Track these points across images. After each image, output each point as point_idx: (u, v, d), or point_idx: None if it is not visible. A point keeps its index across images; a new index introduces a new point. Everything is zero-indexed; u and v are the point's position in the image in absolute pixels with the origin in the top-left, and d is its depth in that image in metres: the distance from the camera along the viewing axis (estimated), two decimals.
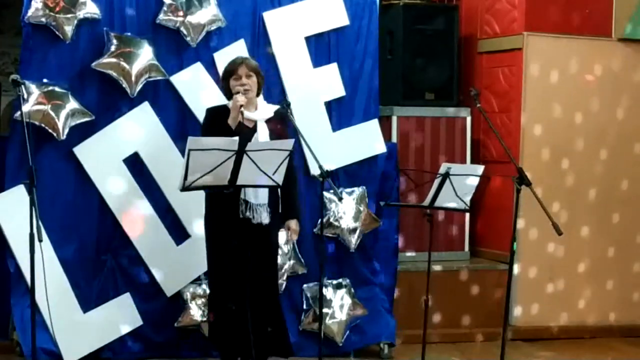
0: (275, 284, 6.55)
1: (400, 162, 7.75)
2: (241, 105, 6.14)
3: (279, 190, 6.27)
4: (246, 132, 6.10)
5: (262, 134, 6.31)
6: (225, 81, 6.41)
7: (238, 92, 6.22)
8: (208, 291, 6.73)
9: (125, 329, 6.93)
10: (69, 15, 6.69)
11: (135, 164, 6.93)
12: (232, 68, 6.37)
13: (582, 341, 8.29)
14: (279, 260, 7.07)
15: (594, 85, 8.41)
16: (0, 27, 9.97)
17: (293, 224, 6.49)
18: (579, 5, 8.43)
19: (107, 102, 6.87)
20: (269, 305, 6.41)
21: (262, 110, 6.39)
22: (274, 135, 6.33)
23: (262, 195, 6.26)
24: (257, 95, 6.40)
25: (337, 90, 7.43)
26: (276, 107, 6.49)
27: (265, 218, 6.29)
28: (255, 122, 6.30)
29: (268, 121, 6.37)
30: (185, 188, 5.81)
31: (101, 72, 6.78)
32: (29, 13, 6.64)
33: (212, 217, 6.36)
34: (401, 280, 7.72)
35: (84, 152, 6.80)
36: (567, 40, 8.35)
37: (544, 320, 8.37)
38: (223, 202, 6.15)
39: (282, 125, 6.44)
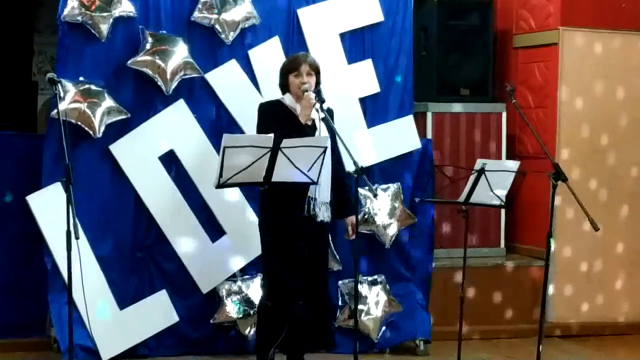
0: (327, 280, 6.62)
1: (435, 158, 7.73)
2: (314, 103, 6.16)
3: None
4: (309, 130, 6.16)
5: (324, 132, 6.33)
6: (285, 76, 6.43)
7: (307, 90, 6.23)
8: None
9: (161, 326, 6.96)
10: (104, 14, 6.73)
11: (170, 162, 6.95)
12: (295, 65, 6.40)
13: (619, 338, 8.23)
14: None
15: (629, 82, 8.35)
16: (36, 26, 9.99)
17: (354, 220, 6.49)
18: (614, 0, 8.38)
19: (143, 100, 6.90)
20: (323, 299, 6.48)
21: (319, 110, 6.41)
22: (329, 131, 6.35)
23: (325, 193, 6.29)
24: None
25: (372, 86, 7.42)
26: (325, 105, 6.52)
27: (327, 216, 6.34)
28: (314, 120, 6.32)
29: (322, 119, 6.41)
30: (220, 185, 5.83)
31: (137, 70, 6.81)
32: (65, 12, 6.68)
33: (272, 215, 6.36)
34: (436, 276, 7.70)
35: (119, 149, 6.84)
36: (602, 35, 8.30)
37: (580, 317, 8.32)
38: (285, 199, 6.18)
39: (332, 121, 6.48)
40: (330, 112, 6.41)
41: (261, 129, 6.30)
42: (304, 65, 6.36)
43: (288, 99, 6.40)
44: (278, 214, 6.30)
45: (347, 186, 6.49)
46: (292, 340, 6.33)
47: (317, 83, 6.42)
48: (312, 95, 6.20)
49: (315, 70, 6.40)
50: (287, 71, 6.42)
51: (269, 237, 6.37)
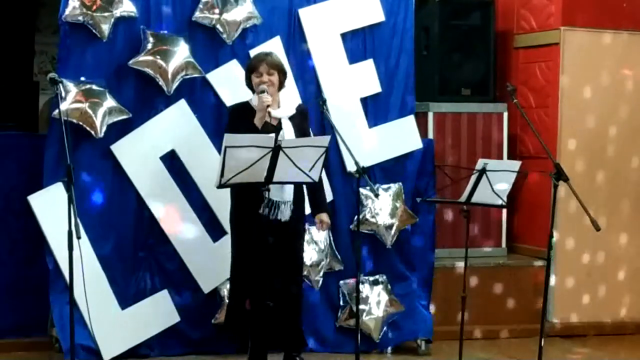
0: (299, 279, 6.61)
1: (436, 158, 7.73)
2: (268, 105, 6.17)
3: (304, 186, 6.30)
4: (272, 130, 6.12)
5: (288, 131, 6.35)
6: (248, 77, 6.47)
7: (263, 91, 6.25)
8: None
9: (163, 326, 6.96)
10: (105, 14, 6.73)
11: (172, 161, 6.96)
12: (254, 64, 6.44)
13: (620, 338, 8.23)
14: (316, 256, 7.11)
15: (631, 78, 8.35)
16: (37, 25, 10.01)
17: (325, 216, 6.55)
18: None
19: (144, 99, 6.91)
20: (289, 300, 6.46)
21: (285, 107, 6.43)
22: (299, 131, 6.38)
23: (288, 193, 6.29)
24: (279, 90, 6.42)
25: (373, 86, 7.43)
26: (296, 103, 6.52)
27: (285, 215, 6.31)
28: (280, 120, 6.32)
29: (291, 118, 6.40)
30: (221, 185, 5.84)
31: (138, 70, 6.81)
32: (66, 12, 6.68)
33: (237, 212, 6.41)
34: (438, 276, 7.70)
35: (121, 149, 6.84)
36: (604, 35, 8.30)
37: (582, 317, 8.32)
38: (247, 198, 6.16)
39: (304, 121, 6.48)
40: (301, 110, 6.45)
41: (227, 130, 6.27)
42: (263, 65, 6.39)
43: (254, 100, 6.43)
44: (243, 214, 6.32)
45: (317, 186, 6.44)
46: (257, 342, 6.36)
47: (281, 81, 6.45)
48: (266, 97, 6.21)
49: (276, 68, 6.42)
50: (248, 71, 6.48)
51: (234, 237, 6.42)
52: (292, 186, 6.29)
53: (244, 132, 5.97)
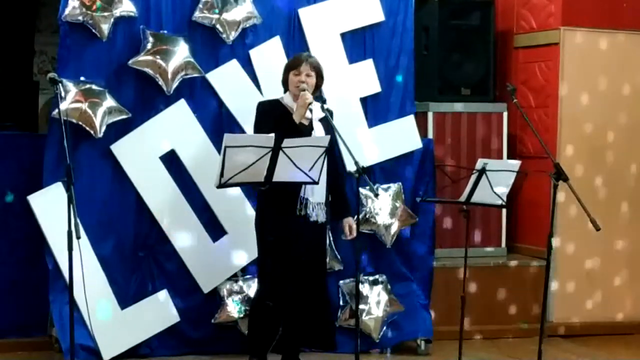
0: (325, 281, 6.63)
1: (436, 158, 7.73)
2: (310, 103, 6.18)
3: (326, 188, 6.33)
4: (305, 130, 6.16)
5: (319, 131, 6.36)
6: (286, 73, 6.48)
7: (304, 90, 6.26)
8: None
9: (163, 326, 6.96)
10: (105, 14, 6.73)
11: (171, 161, 6.96)
12: (296, 63, 6.45)
13: (620, 337, 8.22)
14: None
15: (631, 81, 8.35)
16: (37, 25, 10.02)
17: (352, 221, 6.53)
18: None
19: (144, 99, 6.91)
20: (318, 300, 6.47)
21: (317, 110, 6.41)
22: (327, 132, 6.36)
23: (320, 194, 6.30)
24: (313, 94, 6.41)
25: (373, 86, 7.43)
26: (324, 106, 6.53)
27: (321, 216, 6.34)
28: (311, 121, 6.33)
29: (320, 120, 6.41)
30: (221, 185, 5.84)
31: (138, 70, 6.82)
32: (66, 12, 6.68)
33: (267, 214, 6.39)
34: (438, 276, 7.70)
35: (121, 149, 6.84)
36: (604, 35, 8.29)
37: (582, 317, 8.31)
38: (279, 199, 6.19)
39: (328, 124, 6.49)
40: (329, 113, 6.42)
41: (258, 127, 6.33)
42: (305, 65, 6.40)
43: (286, 98, 6.44)
44: (273, 214, 6.33)
45: (344, 187, 6.49)
46: (285, 341, 6.39)
47: (318, 85, 6.45)
48: (308, 95, 6.22)
49: (316, 72, 6.43)
50: (289, 68, 6.47)
51: (264, 237, 6.41)
52: (323, 187, 6.30)
53: (273, 128, 5.98)
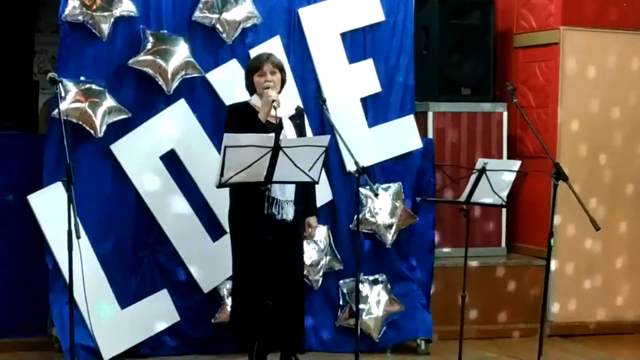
0: (299, 280, 6.58)
1: (436, 157, 7.72)
2: (273, 100, 6.16)
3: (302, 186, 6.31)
4: (273, 128, 6.12)
5: (289, 130, 6.34)
6: (249, 77, 6.45)
7: (268, 88, 6.25)
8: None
9: (163, 325, 6.96)
10: (105, 13, 6.73)
11: (171, 161, 6.96)
12: (257, 64, 6.42)
13: (620, 337, 8.23)
14: (315, 256, 7.12)
15: (631, 80, 8.35)
16: (37, 25, 10.02)
17: (313, 220, 6.55)
18: None
19: (144, 99, 6.91)
20: (291, 300, 6.43)
21: (286, 107, 6.40)
22: (298, 131, 6.37)
23: (289, 192, 6.28)
24: (279, 92, 6.41)
25: (373, 86, 7.42)
26: (295, 104, 6.53)
27: (290, 214, 6.31)
28: (280, 119, 6.32)
29: (291, 118, 6.40)
30: (221, 185, 5.83)
31: (138, 70, 6.82)
32: (66, 11, 6.68)
33: (238, 213, 6.39)
34: (438, 276, 7.69)
35: (121, 149, 6.84)
36: (604, 35, 8.29)
37: (581, 316, 8.32)
38: (248, 198, 6.15)
39: (302, 121, 6.48)
40: (300, 111, 6.47)
41: (226, 128, 6.26)
42: (267, 64, 6.38)
43: (254, 99, 6.41)
44: (243, 214, 6.32)
45: (310, 187, 6.42)
46: (260, 342, 6.29)
47: (283, 80, 6.45)
48: (271, 92, 6.21)
49: (279, 68, 6.42)
50: (251, 71, 6.44)
51: (235, 237, 6.40)
52: (293, 185, 6.28)
53: (243, 130, 5.93)
